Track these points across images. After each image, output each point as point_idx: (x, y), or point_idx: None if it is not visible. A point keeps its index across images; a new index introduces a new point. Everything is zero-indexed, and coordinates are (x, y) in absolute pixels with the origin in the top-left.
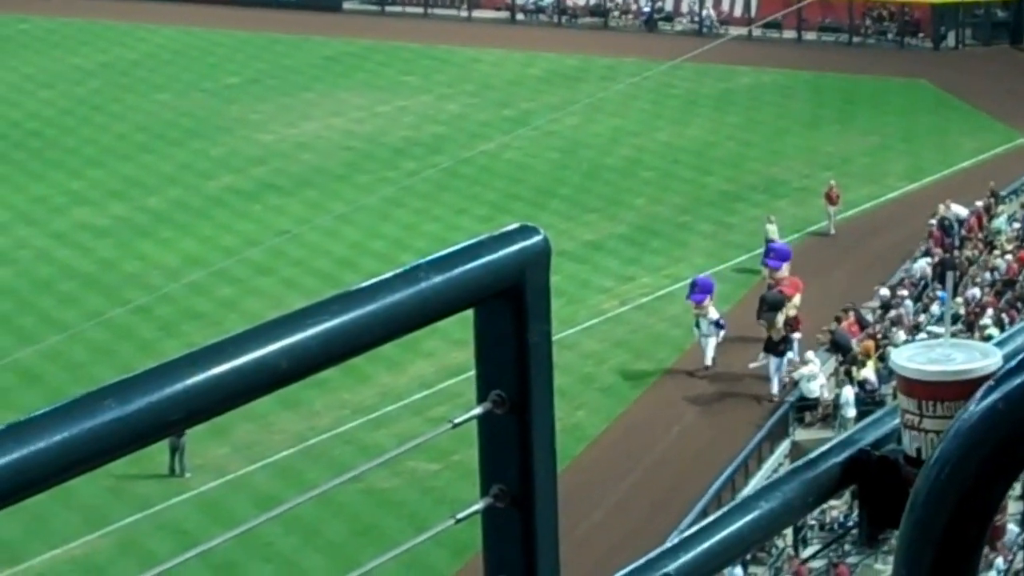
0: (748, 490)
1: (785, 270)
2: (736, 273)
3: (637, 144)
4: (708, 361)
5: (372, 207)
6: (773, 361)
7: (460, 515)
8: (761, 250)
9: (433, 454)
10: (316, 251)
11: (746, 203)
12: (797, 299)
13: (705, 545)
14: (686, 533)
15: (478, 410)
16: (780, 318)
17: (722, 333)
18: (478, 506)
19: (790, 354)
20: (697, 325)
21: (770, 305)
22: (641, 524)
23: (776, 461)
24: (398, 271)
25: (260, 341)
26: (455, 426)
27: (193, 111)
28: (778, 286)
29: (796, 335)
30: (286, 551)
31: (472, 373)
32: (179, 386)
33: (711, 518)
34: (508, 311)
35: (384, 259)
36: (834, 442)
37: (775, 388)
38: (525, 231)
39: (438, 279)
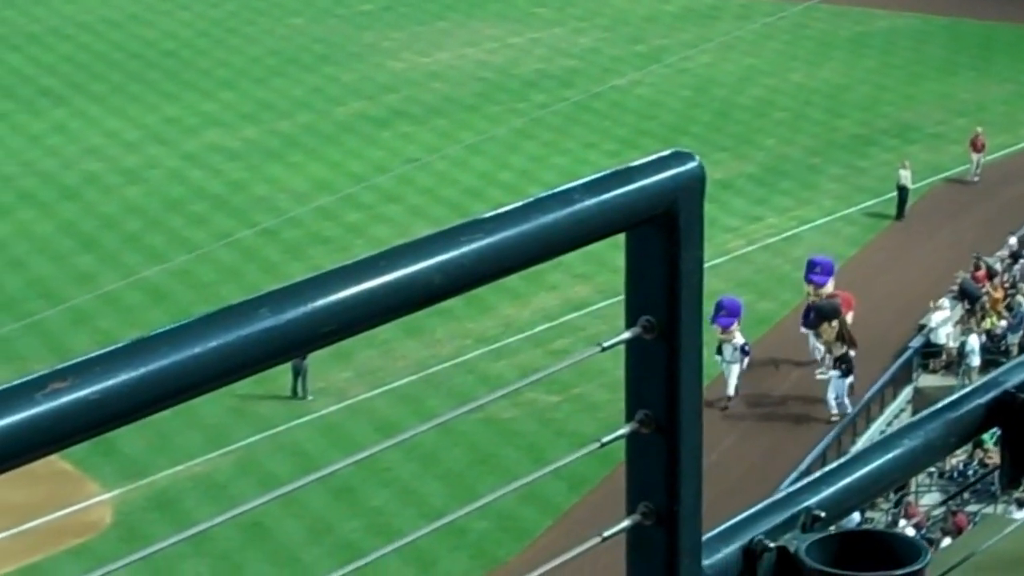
0: (872, 432)
1: (830, 285)
2: (865, 217)
3: (770, 84)
4: (731, 391)
5: (501, 138)
6: (834, 383)
7: (605, 439)
8: (893, 195)
9: (554, 387)
10: (444, 180)
11: (878, 147)
12: (849, 316)
13: (846, 481)
14: (827, 468)
15: (627, 334)
16: (831, 331)
17: (747, 360)
18: (623, 431)
19: (851, 379)
20: (719, 351)
21: (818, 313)
22: (763, 460)
23: (898, 407)
24: (552, 192)
25: (415, 256)
26: (604, 349)
27: (326, 36)
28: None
29: (852, 352)
30: (405, 477)
31: (594, 307)
32: (333, 298)
33: (852, 454)
34: (660, 236)
35: (512, 190)
36: (978, 384)
37: (834, 409)
38: (680, 157)
39: (592, 202)
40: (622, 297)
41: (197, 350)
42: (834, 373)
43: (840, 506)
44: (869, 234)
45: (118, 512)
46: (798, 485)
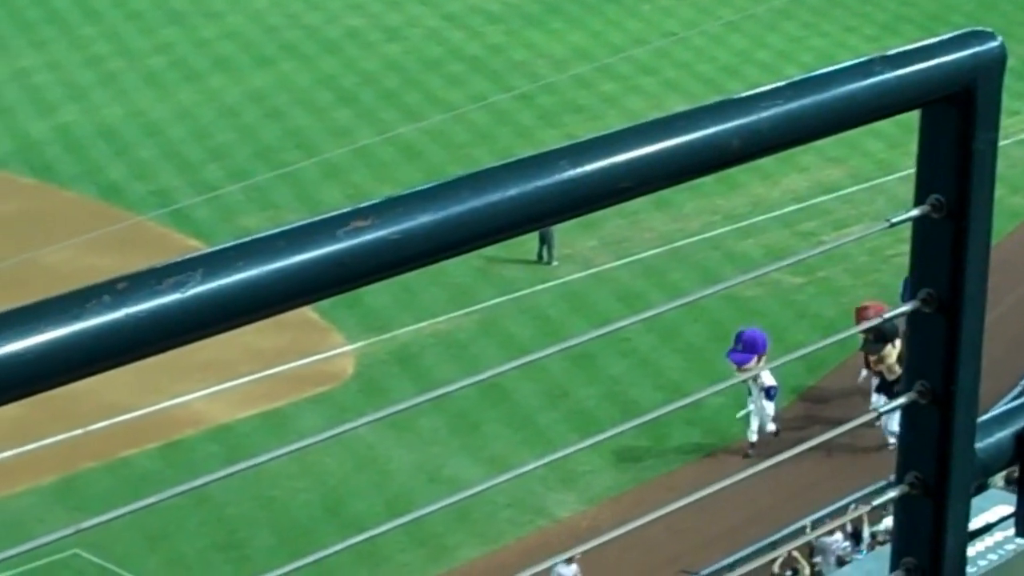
0: None
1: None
2: None
3: None
4: (752, 436)
5: (761, 16)
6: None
7: (888, 314)
8: None
9: (799, 269)
10: (701, 56)
11: None
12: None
13: None
14: None
15: (915, 212)
16: (892, 351)
17: (772, 406)
18: (905, 308)
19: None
20: (749, 392)
21: (880, 334)
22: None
23: None
24: (853, 63)
25: (714, 119)
26: (892, 225)
27: None
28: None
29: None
30: (643, 348)
31: (844, 192)
32: (632, 155)
33: None
34: (956, 115)
35: (768, 69)
36: None
37: (892, 439)
38: (981, 36)
39: (891, 75)
40: (872, 183)
41: (496, 197)
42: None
43: None
44: None
45: (360, 364)
46: None
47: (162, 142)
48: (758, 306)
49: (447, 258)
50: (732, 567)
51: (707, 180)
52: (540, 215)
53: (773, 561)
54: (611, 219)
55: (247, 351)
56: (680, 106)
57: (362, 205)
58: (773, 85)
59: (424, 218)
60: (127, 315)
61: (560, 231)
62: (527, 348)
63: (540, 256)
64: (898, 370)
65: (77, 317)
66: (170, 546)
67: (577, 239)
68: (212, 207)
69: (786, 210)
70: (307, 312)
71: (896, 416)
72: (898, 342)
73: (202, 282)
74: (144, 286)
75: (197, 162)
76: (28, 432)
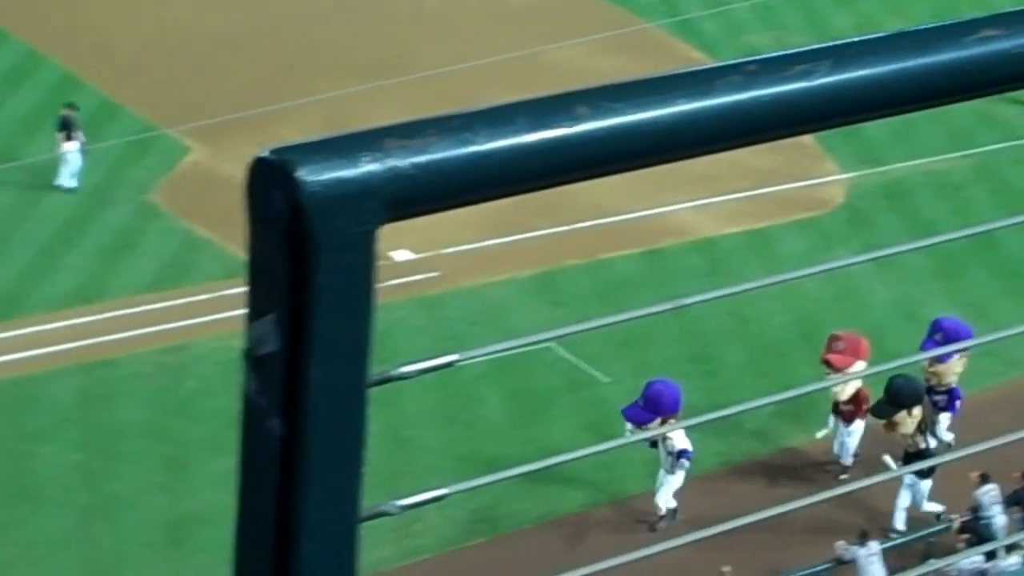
0: None
1: (956, 365)
2: None
3: None
4: (661, 507)
5: None
6: (905, 489)
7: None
8: None
9: None
10: None
11: None
12: (859, 367)
13: None
14: None
15: None
16: (908, 420)
17: (681, 476)
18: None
19: (929, 483)
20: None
21: (892, 397)
22: None
23: None
24: None
25: None
26: None
27: None
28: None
29: (943, 440)
30: None
31: None
32: None
33: None
34: None
35: None
36: None
37: (899, 523)
38: None
39: None
40: None
41: (923, 61)
42: (911, 477)
43: None
44: None
45: (849, 194)
46: None
47: None
48: None
49: None
50: None
51: None
52: (975, 85)
53: None
54: None
55: (738, 168)
56: None
57: (994, 14)
58: None
59: None
60: (753, 97)
61: None
62: (1022, 198)
63: None
64: (921, 443)
65: (706, 93)
66: (641, 351)
67: None
68: (719, 21)
69: None
70: (803, 136)
71: (923, 489)
72: (917, 409)
73: (829, 73)
74: (773, 71)
75: None
76: (514, 224)
